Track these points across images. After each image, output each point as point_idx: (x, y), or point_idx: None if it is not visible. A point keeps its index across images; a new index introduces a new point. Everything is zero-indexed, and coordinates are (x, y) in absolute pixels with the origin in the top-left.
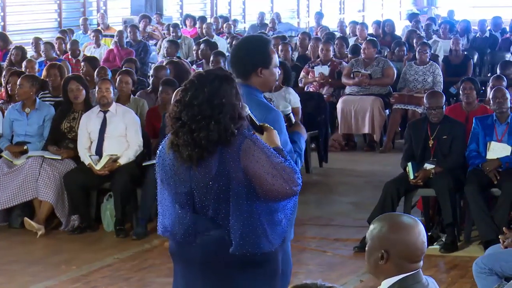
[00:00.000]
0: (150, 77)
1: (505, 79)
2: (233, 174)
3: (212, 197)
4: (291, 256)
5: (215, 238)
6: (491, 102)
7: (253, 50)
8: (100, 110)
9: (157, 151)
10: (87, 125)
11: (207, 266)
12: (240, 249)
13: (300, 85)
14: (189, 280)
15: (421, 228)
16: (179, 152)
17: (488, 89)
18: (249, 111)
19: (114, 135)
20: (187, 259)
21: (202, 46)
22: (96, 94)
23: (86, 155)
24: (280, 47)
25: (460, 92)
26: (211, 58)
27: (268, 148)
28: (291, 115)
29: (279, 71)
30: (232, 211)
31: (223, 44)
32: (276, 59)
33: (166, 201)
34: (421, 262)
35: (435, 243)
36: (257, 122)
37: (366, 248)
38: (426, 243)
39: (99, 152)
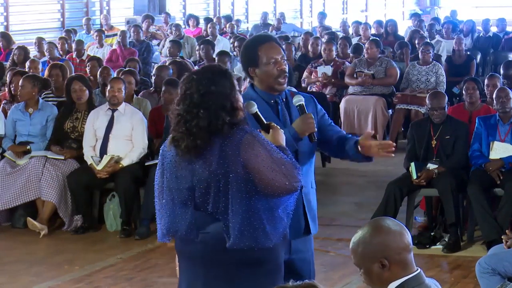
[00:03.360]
0: (153, 77)
1: (500, 77)
2: (232, 168)
3: (212, 191)
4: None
5: (213, 234)
6: (495, 102)
7: None
8: (109, 108)
9: (159, 152)
10: (94, 122)
11: (208, 263)
12: (238, 243)
13: (303, 85)
14: (190, 277)
15: (391, 219)
16: (178, 145)
17: (485, 88)
18: (257, 109)
19: (120, 135)
20: (190, 257)
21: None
22: (100, 94)
23: (88, 155)
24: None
25: (463, 92)
26: (216, 59)
27: (269, 143)
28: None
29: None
30: (231, 205)
31: (226, 44)
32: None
33: (165, 203)
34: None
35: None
36: (264, 121)
37: (363, 272)
38: (406, 227)
39: (103, 152)
